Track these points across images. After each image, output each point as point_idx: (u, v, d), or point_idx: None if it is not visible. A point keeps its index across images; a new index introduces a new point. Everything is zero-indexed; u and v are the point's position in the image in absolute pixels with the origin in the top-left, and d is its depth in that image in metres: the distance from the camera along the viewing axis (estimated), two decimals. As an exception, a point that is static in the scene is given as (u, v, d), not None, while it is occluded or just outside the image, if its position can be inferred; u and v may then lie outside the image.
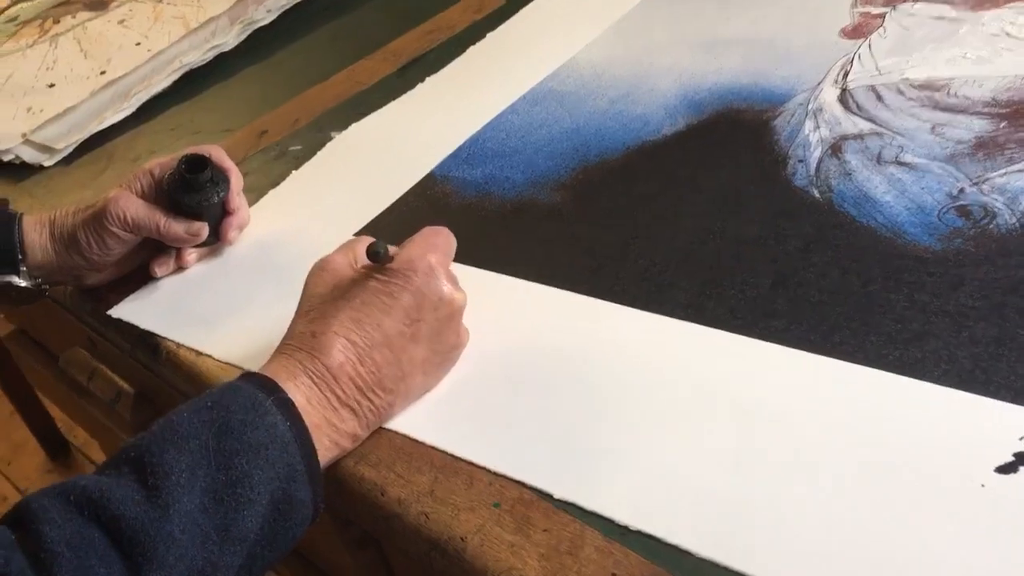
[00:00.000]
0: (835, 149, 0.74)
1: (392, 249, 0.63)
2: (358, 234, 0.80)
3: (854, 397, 0.55)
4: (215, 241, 0.81)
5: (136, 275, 0.81)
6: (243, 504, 0.50)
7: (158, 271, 0.80)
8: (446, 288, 0.59)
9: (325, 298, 0.59)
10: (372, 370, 0.57)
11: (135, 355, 0.77)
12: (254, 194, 0.89)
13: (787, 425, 0.54)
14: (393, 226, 0.80)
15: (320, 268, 0.61)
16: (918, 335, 0.57)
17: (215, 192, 0.79)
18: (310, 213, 0.85)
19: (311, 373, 0.56)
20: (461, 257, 0.71)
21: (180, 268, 0.81)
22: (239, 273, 0.79)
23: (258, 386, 0.54)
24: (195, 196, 0.78)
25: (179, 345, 0.73)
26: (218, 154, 0.81)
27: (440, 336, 0.60)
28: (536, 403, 0.59)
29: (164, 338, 0.74)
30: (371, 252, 0.58)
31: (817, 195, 0.70)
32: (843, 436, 0.52)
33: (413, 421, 0.60)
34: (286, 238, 0.82)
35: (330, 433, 0.56)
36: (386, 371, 0.57)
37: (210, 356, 0.71)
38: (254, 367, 0.67)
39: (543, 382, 0.60)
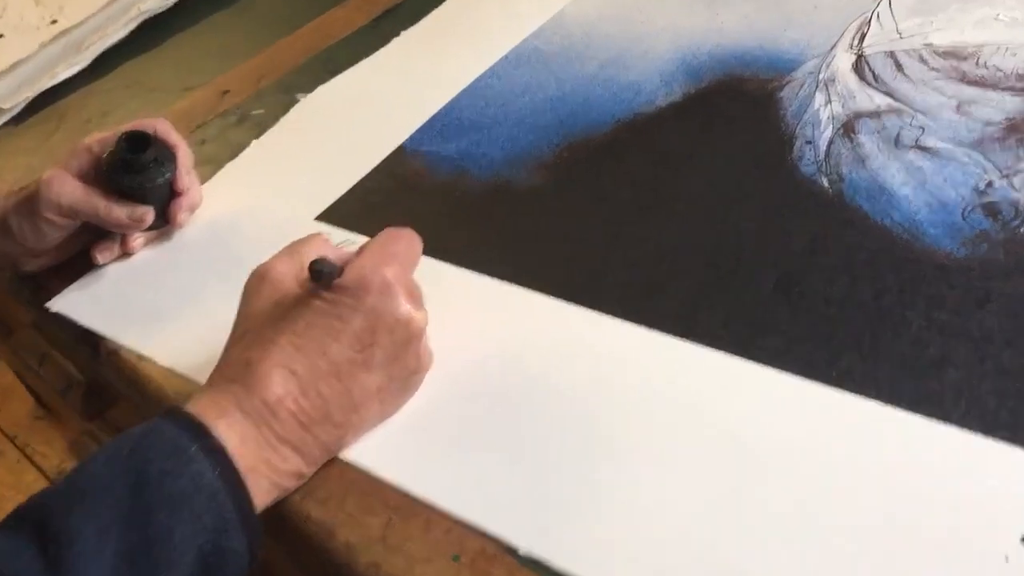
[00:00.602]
0: (847, 129, 0.67)
1: (347, 251, 0.56)
2: (321, 218, 0.73)
3: (860, 438, 0.48)
4: (163, 225, 0.74)
5: (79, 259, 0.74)
6: (162, 565, 0.43)
7: (100, 258, 0.73)
8: (404, 308, 0.52)
9: (264, 318, 0.52)
10: (317, 404, 0.50)
11: (77, 350, 0.71)
12: (211, 167, 0.82)
13: (784, 470, 0.47)
14: (357, 211, 0.72)
15: (259, 279, 0.54)
16: (936, 363, 0.50)
17: (160, 172, 0.71)
18: (270, 192, 0.77)
19: (246, 409, 0.49)
20: (429, 250, 0.64)
21: (125, 254, 0.74)
22: (189, 261, 0.72)
23: (184, 427, 0.47)
24: (137, 178, 0.70)
25: (120, 346, 0.67)
26: (163, 128, 0.73)
27: (397, 362, 0.53)
28: (505, 438, 0.53)
29: (104, 337, 0.68)
30: (313, 271, 0.50)
31: (826, 184, 0.63)
32: (847, 486, 0.46)
33: (369, 453, 0.54)
34: (242, 221, 0.75)
35: (269, 475, 0.49)
36: (334, 403, 0.51)
37: (152, 361, 0.64)
38: (198, 376, 0.62)
39: (514, 412, 0.54)
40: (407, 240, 0.56)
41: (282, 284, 0.53)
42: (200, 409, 0.49)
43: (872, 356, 0.51)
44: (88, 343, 0.69)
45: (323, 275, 0.50)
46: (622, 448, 0.50)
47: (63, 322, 0.71)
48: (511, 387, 0.55)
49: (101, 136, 0.72)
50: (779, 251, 0.59)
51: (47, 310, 0.71)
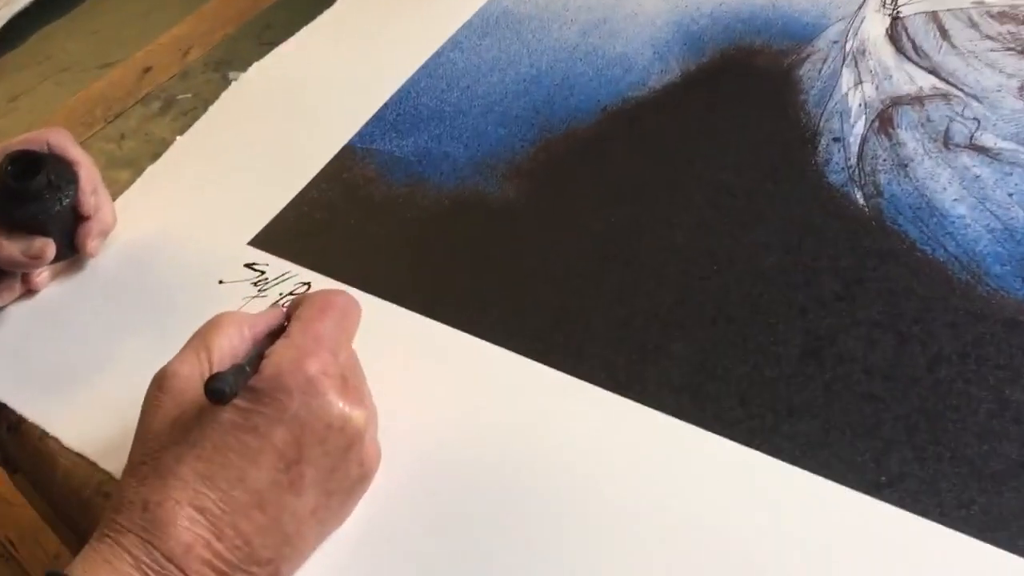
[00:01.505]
0: (884, 121, 0.54)
1: (273, 318, 0.45)
2: (255, 243, 0.61)
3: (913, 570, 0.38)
4: (72, 255, 0.62)
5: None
6: None
7: (-1, 299, 0.62)
8: (336, 409, 0.42)
9: (164, 439, 0.41)
10: (237, 544, 0.40)
11: (-23, 416, 0.61)
12: (130, 171, 0.70)
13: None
14: (297, 232, 0.61)
15: (157, 388, 0.43)
16: (1014, 468, 0.39)
17: (58, 198, 0.59)
18: (197, 206, 0.65)
19: (145, 567, 0.39)
20: (380, 290, 0.53)
21: (29, 291, 0.63)
22: (103, 300, 0.61)
23: None
24: (30, 207, 0.58)
25: (22, 417, 0.56)
26: (58, 140, 0.61)
27: (335, 474, 0.42)
28: (469, 550, 0.43)
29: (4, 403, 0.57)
30: (211, 390, 0.39)
31: (860, 199, 0.51)
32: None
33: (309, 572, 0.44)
34: (165, 248, 0.63)
35: (182, 646, 0.39)
36: (259, 541, 0.41)
37: (58, 441, 0.54)
38: (109, 463, 0.51)
39: (486, 512, 0.44)
40: (339, 311, 0.45)
41: (185, 393, 0.42)
42: (87, 573, 0.39)
43: (931, 455, 0.40)
44: (-12, 408, 0.58)
45: (224, 396, 0.39)
46: (605, 561, 0.40)
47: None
48: (482, 480, 0.45)
49: (-15, 155, 0.60)
50: (806, 299, 0.47)
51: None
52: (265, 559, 0.41)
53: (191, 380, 0.42)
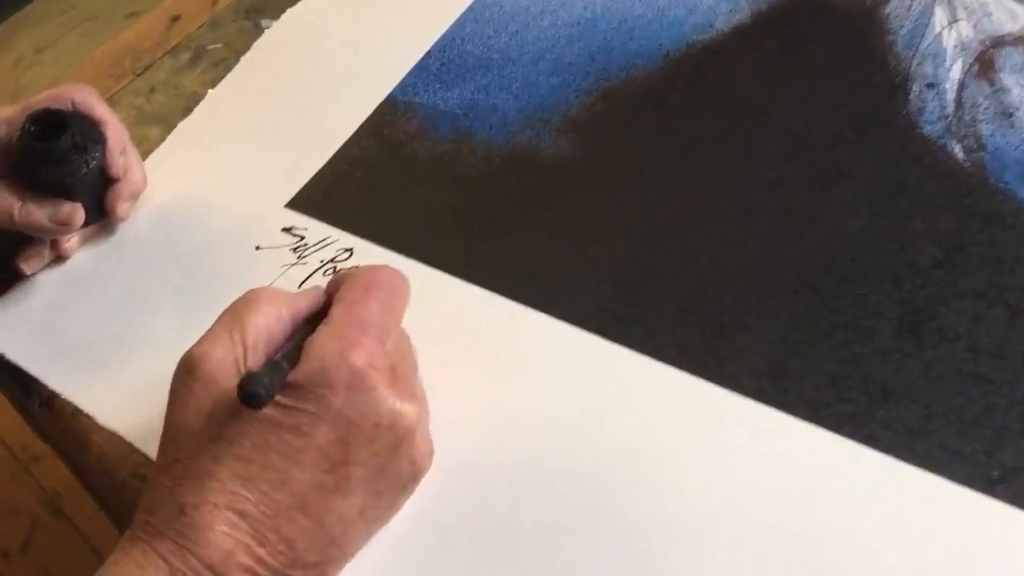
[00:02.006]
0: (984, 64, 0.49)
1: (314, 299, 0.42)
2: (293, 205, 0.57)
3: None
4: (102, 218, 0.59)
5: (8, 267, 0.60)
6: None
7: (26, 268, 0.59)
8: (386, 405, 0.38)
9: (198, 435, 0.38)
10: (280, 549, 0.37)
11: (10, 390, 0.58)
12: (160, 127, 0.66)
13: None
14: (337, 193, 0.57)
15: (187, 373, 0.39)
16: None
17: (84, 159, 0.56)
18: (231, 167, 0.62)
19: (182, 575, 0.36)
20: (425, 256, 0.50)
21: (60, 258, 0.60)
22: (135, 267, 0.58)
23: None
24: (55, 170, 0.55)
25: (54, 393, 0.53)
26: (83, 99, 0.57)
27: (384, 473, 0.39)
28: (528, 543, 0.39)
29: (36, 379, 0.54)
30: (246, 395, 0.35)
31: (959, 153, 0.46)
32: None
33: (357, 571, 0.41)
34: (198, 210, 0.60)
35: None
36: (303, 544, 0.37)
37: (91, 419, 0.51)
38: (145, 441, 0.49)
39: (538, 506, 0.40)
40: (385, 290, 0.41)
41: (217, 381, 0.38)
42: None
43: (1049, 448, 0.36)
44: (19, 381, 0.56)
45: (258, 399, 0.35)
46: (678, 561, 0.37)
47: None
48: (538, 467, 0.41)
49: (6, 115, 0.57)
50: (901, 266, 0.43)
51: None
52: (310, 563, 0.38)
53: (224, 365, 0.38)
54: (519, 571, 0.38)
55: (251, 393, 0.35)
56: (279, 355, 0.38)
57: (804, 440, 0.39)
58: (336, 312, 0.39)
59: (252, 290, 0.41)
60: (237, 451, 0.37)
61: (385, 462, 0.39)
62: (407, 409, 0.38)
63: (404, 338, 0.42)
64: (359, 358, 0.37)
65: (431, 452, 0.41)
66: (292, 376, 0.37)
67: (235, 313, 0.40)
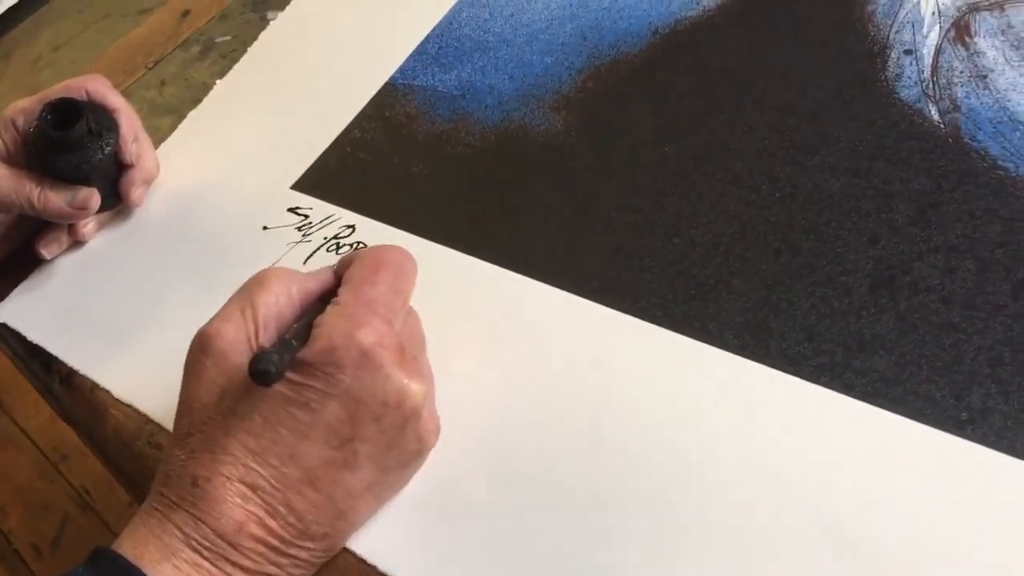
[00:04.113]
0: (960, 30, 0.50)
1: (324, 280, 0.43)
2: (298, 187, 0.59)
3: (997, 510, 0.35)
4: (117, 204, 0.62)
5: (29, 252, 0.63)
6: None
7: (46, 252, 0.61)
8: (393, 383, 0.39)
9: (211, 410, 0.39)
10: (290, 521, 0.39)
11: (32, 368, 0.61)
12: (172, 117, 0.69)
13: (896, 563, 0.35)
14: (341, 173, 0.59)
15: (201, 349, 0.41)
16: (1109, 399, 0.36)
17: (99, 146, 0.58)
18: (239, 153, 0.64)
19: (196, 544, 0.38)
20: (426, 231, 0.52)
21: (77, 243, 0.62)
22: (150, 249, 0.60)
23: None
24: (71, 158, 0.58)
25: (73, 370, 0.56)
26: (96, 88, 0.60)
27: (392, 450, 0.40)
28: (530, 502, 0.41)
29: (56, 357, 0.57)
30: (256, 372, 0.36)
31: (935, 116, 0.47)
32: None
33: (367, 538, 0.42)
34: (209, 193, 0.62)
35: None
36: (312, 517, 0.39)
37: (108, 392, 0.54)
38: (162, 418, 0.51)
39: (535, 460, 0.42)
40: (393, 270, 0.42)
41: (230, 357, 0.40)
42: (136, 549, 0.38)
43: (1017, 388, 0.38)
44: (40, 361, 0.58)
45: (268, 376, 0.36)
46: (672, 513, 0.39)
47: (12, 331, 0.60)
48: (534, 422, 0.43)
49: (24, 106, 0.60)
50: (877, 225, 0.44)
51: (-5, 320, 0.61)
52: (319, 534, 0.39)
53: (236, 344, 0.40)
54: (523, 541, 0.40)
55: (262, 371, 0.36)
56: (289, 334, 0.39)
57: (785, 390, 0.41)
58: (345, 292, 0.40)
59: (264, 270, 0.42)
60: (248, 426, 0.38)
61: (392, 439, 0.40)
62: (414, 388, 0.39)
63: (413, 317, 0.44)
64: (367, 337, 0.38)
65: (438, 429, 0.43)
66: (302, 354, 0.38)
67: (247, 292, 0.41)
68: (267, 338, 0.40)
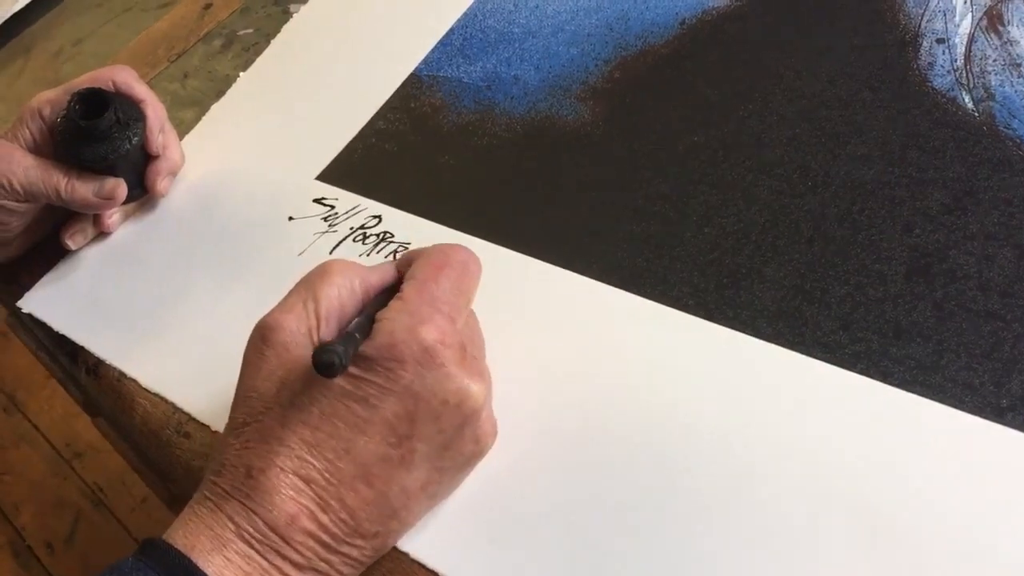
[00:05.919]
0: (993, 18, 0.50)
1: (386, 273, 0.42)
2: (323, 177, 0.59)
3: (1049, 502, 0.35)
4: (143, 194, 0.62)
5: (54, 243, 0.63)
6: None
7: (71, 243, 0.61)
8: (454, 383, 0.38)
9: (268, 401, 0.39)
10: (342, 517, 0.38)
11: (58, 360, 0.61)
12: (196, 110, 0.69)
13: (941, 550, 0.35)
14: (366, 165, 0.59)
15: (262, 340, 0.40)
16: None
17: (126, 136, 0.58)
18: (263, 144, 0.64)
19: (248, 536, 0.37)
20: (452, 222, 0.52)
21: (103, 234, 0.62)
22: (175, 240, 0.60)
23: (165, 571, 0.36)
24: (99, 148, 0.58)
25: (100, 360, 0.56)
26: (123, 79, 0.60)
27: (448, 451, 0.40)
28: (580, 491, 0.41)
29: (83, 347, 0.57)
30: (320, 364, 0.36)
31: (969, 104, 0.47)
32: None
33: (417, 539, 0.42)
34: (233, 185, 0.62)
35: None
36: (364, 514, 0.38)
37: (135, 382, 0.54)
38: (186, 400, 0.51)
39: (581, 448, 0.42)
40: (457, 270, 0.41)
41: (290, 349, 0.39)
42: (188, 539, 0.37)
43: (1056, 378, 0.37)
44: (66, 351, 0.58)
45: (333, 368, 0.36)
46: (711, 501, 0.38)
47: (38, 323, 0.60)
48: (573, 409, 0.43)
49: (51, 96, 0.60)
50: (912, 213, 0.44)
51: (20, 311, 0.61)
52: (371, 533, 0.39)
53: (297, 335, 0.39)
54: (574, 546, 0.39)
55: (326, 362, 0.35)
56: (351, 327, 0.39)
57: (821, 377, 0.40)
58: (408, 288, 0.40)
59: (326, 262, 0.42)
60: (306, 418, 0.38)
61: (450, 439, 0.39)
62: (475, 388, 0.39)
63: (473, 318, 0.43)
64: (430, 335, 0.38)
65: (495, 432, 0.42)
66: (363, 349, 0.38)
67: (309, 284, 0.41)
68: (328, 331, 0.40)
